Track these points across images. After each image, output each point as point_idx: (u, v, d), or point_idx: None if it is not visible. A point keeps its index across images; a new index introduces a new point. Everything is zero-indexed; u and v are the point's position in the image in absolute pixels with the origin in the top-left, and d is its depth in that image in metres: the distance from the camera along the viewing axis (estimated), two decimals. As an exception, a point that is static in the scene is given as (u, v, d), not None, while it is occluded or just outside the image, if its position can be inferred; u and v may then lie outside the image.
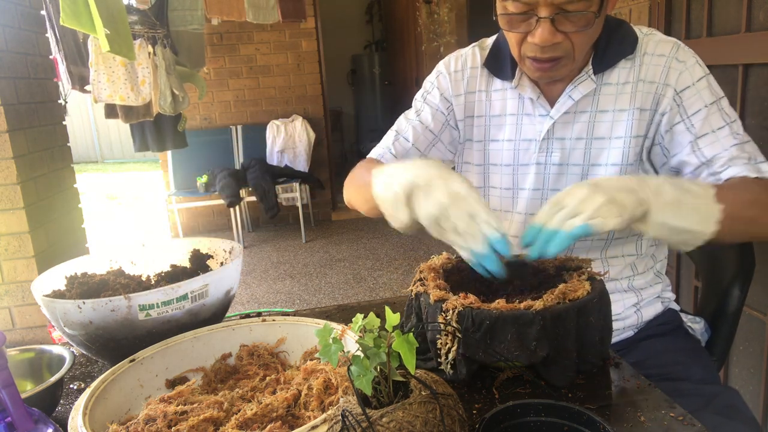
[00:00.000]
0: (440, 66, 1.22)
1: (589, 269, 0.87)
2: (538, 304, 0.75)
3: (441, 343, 0.79)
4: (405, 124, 1.21)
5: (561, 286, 0.79)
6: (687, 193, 0.83)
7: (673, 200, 0.81)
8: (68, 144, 2.70)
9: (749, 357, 1.72)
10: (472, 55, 1.19)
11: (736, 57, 1.67)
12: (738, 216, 0.85)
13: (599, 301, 0.80)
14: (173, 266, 1.16)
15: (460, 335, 0.76)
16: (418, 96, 1.23)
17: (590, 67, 1.04)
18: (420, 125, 1.19)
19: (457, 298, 0.78)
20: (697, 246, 0.84)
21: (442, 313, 0.78)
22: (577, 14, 0.91)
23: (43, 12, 2.57)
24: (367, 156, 1.24)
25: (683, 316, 1.20)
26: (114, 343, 0.93)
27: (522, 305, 0.76)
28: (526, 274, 0.91)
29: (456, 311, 0.76)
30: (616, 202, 0.78)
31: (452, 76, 1.19)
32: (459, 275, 0.94)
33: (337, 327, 0.80)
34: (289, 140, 5.22)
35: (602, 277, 0.85)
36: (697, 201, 0.82)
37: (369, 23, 8.15)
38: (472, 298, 0.78)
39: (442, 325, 0.78)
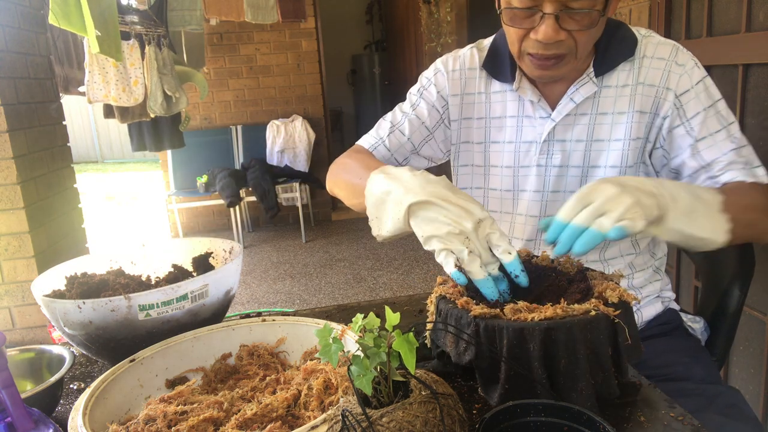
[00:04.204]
0: (438, 64, 1.20)
1: (610, 293, 0.75)
2: (476, 310, 0.72)
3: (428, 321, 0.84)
4: (401, 117, 1.20)
5: (561, 304, 0.72)
6: (699, 200, 0.82)
7: (688, 208, 0.80)
8: (68, 144, 2.70)
9: (749, 357, 1.72)
10: (470, 56, 1.18)
11: (736, 57, 1.67)
12: (739, 220, 0.85)
13: (550, 332, 0.68)
14: (175, 266, 1.16)
15: (431, 318, 0.81)
16: (413, 90, 1.22)
17: (592, 69, 1.04)
18: (416, 119, 1.18)
19: (447, 286, 0.81)
20: (706, 250, 0.84)
21: (430, 296, 0.84)
22: (582, 12, 0.91)
23: (44, 11, 2.57)
24: (357, 143, 1.22)
25: (683, 315, 1.20)
26: (114, 343, 0.93)
27: (472, 307, 0.74)
28: (541, 280, 0.86)
29: (435, 296, 0.81)
30: (641, 203, 0.74)
31: (450, 75, 1.18)
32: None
33: (337, 327, 0.80)
34: (289, 140, 5.23)
35: (604, 312, 0.71)
36: (709, 210, 0.82)
37: (369, 23, 8.15)
38: (453, 289, 0.80)
39: (428, 304, 0.83)
